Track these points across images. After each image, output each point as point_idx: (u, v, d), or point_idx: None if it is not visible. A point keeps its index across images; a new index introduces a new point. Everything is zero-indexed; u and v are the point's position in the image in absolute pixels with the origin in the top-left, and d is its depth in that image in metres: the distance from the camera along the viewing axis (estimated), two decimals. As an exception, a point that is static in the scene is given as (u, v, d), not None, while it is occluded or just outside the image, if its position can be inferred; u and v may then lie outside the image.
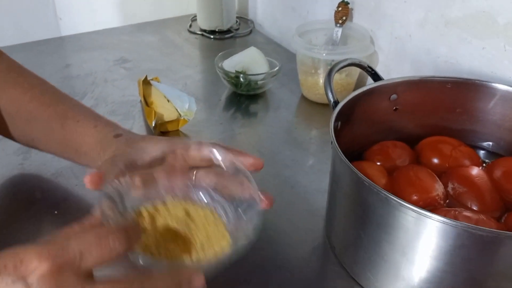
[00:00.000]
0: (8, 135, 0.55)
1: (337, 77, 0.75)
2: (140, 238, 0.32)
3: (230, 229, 0.39)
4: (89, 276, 0.28)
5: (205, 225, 0.38)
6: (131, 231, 0.30)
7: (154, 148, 0.42)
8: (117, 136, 0.46)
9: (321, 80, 0.76)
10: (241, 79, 0.80)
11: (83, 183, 0.39)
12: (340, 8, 0.76)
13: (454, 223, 0.36)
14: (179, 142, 0.43)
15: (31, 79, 0.55)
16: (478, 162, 0.56)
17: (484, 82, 0.55)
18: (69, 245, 0.28)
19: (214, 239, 0.38)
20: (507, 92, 0.54)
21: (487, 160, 0.57)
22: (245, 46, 0.86)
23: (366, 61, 0.56)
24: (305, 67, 0.78)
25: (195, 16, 1.12)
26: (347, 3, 0.77)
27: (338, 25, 0.77)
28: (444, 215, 0.44)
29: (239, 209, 0.40)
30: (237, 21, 1.12)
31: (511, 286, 0.38)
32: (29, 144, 0.56)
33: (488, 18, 0.57)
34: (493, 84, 0.54)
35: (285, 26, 1.01)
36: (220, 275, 0.47)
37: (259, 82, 0.80)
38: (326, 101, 0.56)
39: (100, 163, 0.44)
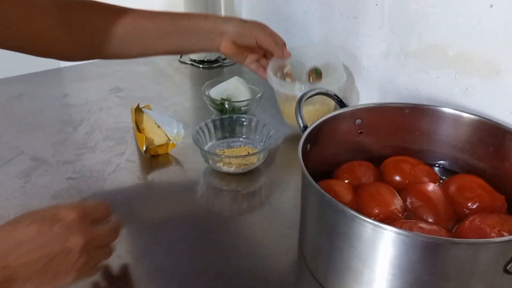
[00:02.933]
0: (113, 55, 0.71)
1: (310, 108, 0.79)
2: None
3: None
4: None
5: None
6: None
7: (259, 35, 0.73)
8: (229, 19, 0.72)
9: None
10: (226, 106, 0.86)
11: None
12: (311, 78, 0.80)
13: (398, 230, 0.42)
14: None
15: (119, 7, 0.70)
16: (436, 179, 0.62)
17: (437, 107, 0.62)
18: (85, 206, 0.46)
19: None
20: (458, 116, 0.61)
21: (444, 177, 0.64)
22: (232, 74, 0.93)
23: (333, 90, 0.63)
24: (281, 100, 0.83)
25: (185, 46, 1.20)
26: (319, 73, 0.80)
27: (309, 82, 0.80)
28: (401, 226, 0.51)
29: None
30: (224, 51, 1.19)
31: (451, 284, 0.43)
32: (133, 55, 0.73)
33: (440, 51, 0.65)
34: (444, 109, 0.61)
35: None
36: (201, 283, 0.53)
37: (243, 108, 0.87)
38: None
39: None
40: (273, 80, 0.78)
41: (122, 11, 0.68)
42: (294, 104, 0.77)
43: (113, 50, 0.69)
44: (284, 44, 0.76)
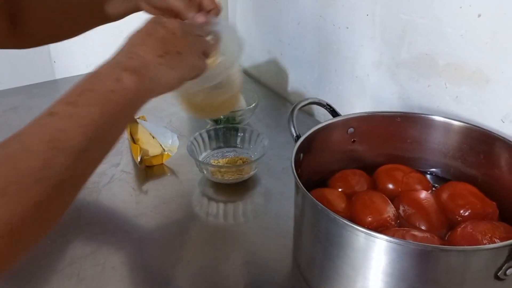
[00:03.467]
0: (50, 39, 0.68)
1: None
2: None
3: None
4: None
5: None
6: None
7: None
8: None
9: None
10: (221, 116, 0.87)
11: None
12: None
13: (389, 238, 0.43)
14: None
15: None
16: (428, 186, 0.63)
17: (428, 116, 0.63)
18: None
19: None
20: (448, 124, 0.62)
21: (436, 185, 0.64)
22: (226, 84, 0.94)
23: (325, 100, 0.64)
24: None
25: (181, 57, 1.21)
26: None
27: None
28: (393, 234, 0.51)
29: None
30: (219, 61, 1.20)
31: (443, 292, 0.44)
32: (69, 34, 0.67)
33: (430, 60, 0.66)
34: (435, 117, 0.62)
35: (262, 66, 1.10)
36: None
37: (237, 118, 0.88)
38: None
39: None
40: None
41: None
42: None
43: (49, 33, 0.68)
44: (214, 11, 0.58)
